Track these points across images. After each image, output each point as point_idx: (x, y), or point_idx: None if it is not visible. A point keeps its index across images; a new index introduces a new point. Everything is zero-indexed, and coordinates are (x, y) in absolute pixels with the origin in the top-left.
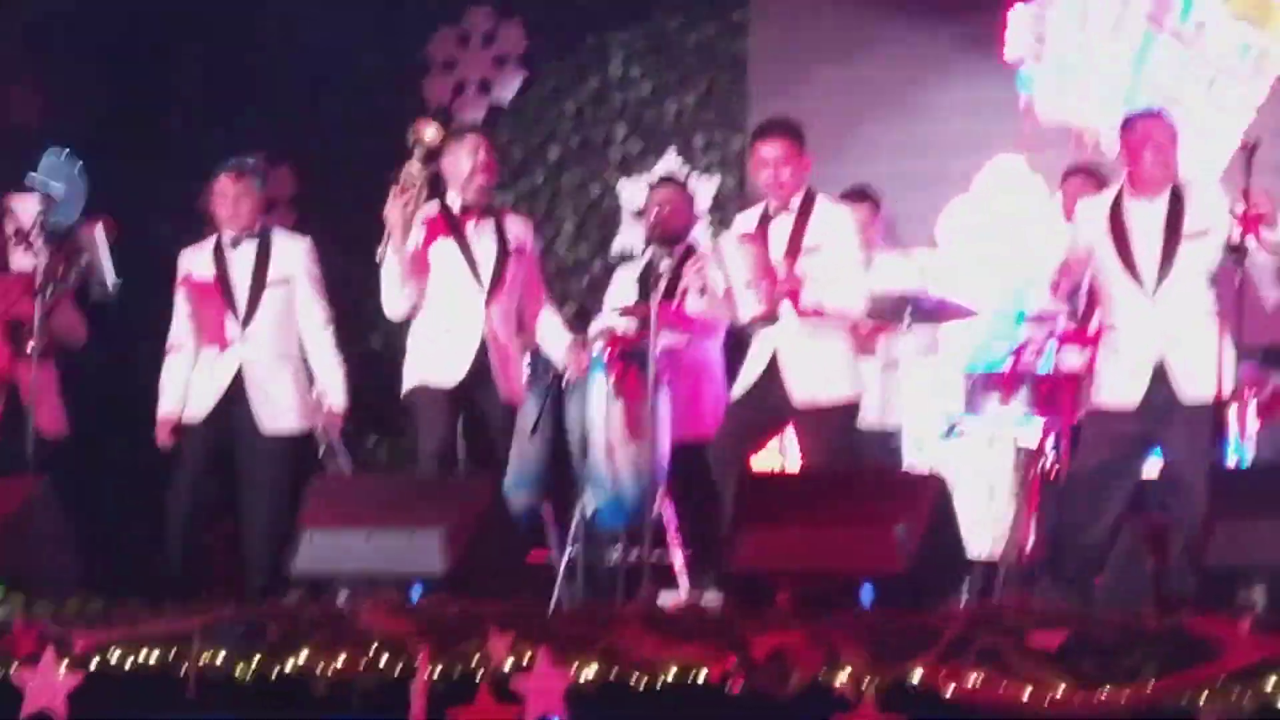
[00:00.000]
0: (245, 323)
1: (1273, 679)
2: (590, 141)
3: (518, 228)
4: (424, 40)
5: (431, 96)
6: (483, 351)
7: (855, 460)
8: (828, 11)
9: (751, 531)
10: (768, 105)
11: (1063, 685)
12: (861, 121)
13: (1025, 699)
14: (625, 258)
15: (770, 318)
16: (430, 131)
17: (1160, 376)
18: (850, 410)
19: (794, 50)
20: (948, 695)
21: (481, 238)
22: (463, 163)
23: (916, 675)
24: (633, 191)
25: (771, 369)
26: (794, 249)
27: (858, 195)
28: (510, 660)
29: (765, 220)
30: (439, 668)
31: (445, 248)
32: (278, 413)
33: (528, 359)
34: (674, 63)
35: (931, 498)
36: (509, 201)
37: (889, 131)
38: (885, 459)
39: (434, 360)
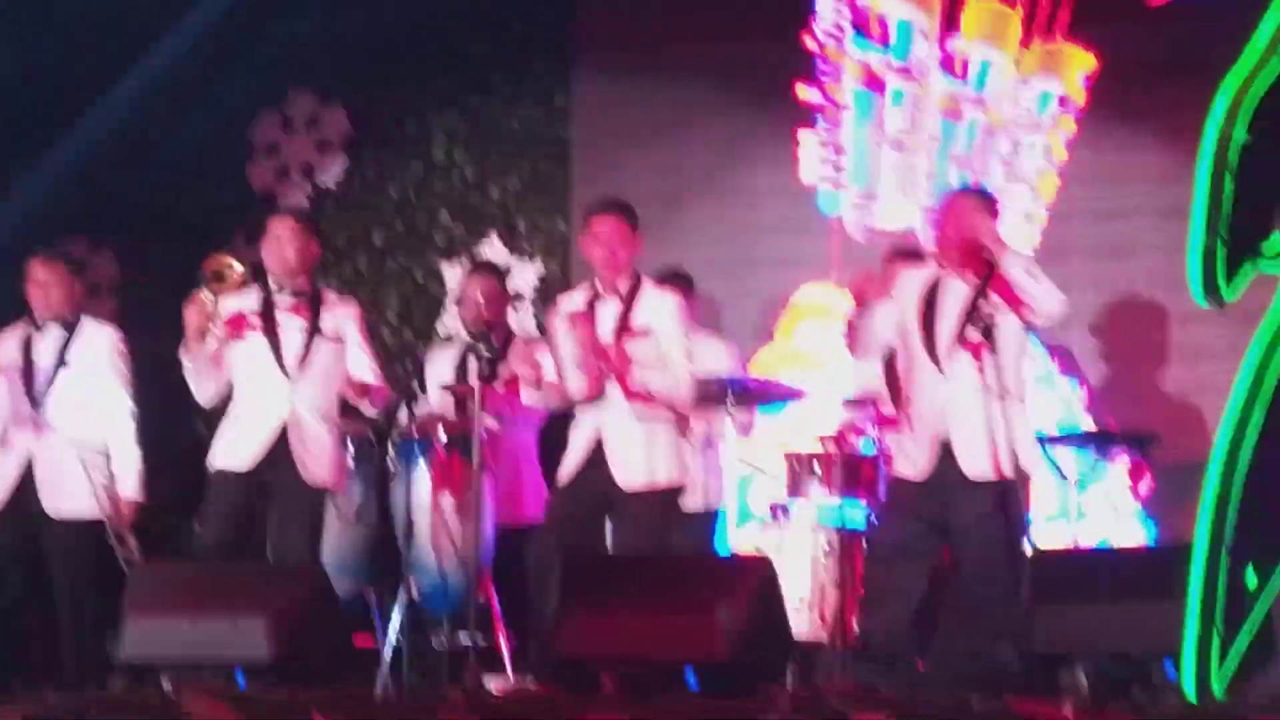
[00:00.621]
0: (39, 408)
1: None
2: (414, 226)
3: (336, 310)
4: (246, 124)
5: (256, 181)
6: (283, 435)
7: (675, 545)
8: (647, 97)
9: (577, 616)
10: (590, 189)
11: None
12: (680, 205)
13: None
14: (449, 340)
15: (598, 397)
16: (233, 273)
17: (948, 452)
18: (672, 495)
19: (615, 134)
20: None
21: (292, 321)
22: (278, 249)
23: None
24: (454, 276)
25: (597, 453)
26: (622, 331)
27: (671, 278)
28: None
29: (592, 302)
30: None
31: (252, 335)
32: (71, 499)
33: (350, 444)
34: (496, 147)
35: (756, 581)
36: (333, 286)
37: (706, 215)
38: (708, 542)
39: (231, 444)
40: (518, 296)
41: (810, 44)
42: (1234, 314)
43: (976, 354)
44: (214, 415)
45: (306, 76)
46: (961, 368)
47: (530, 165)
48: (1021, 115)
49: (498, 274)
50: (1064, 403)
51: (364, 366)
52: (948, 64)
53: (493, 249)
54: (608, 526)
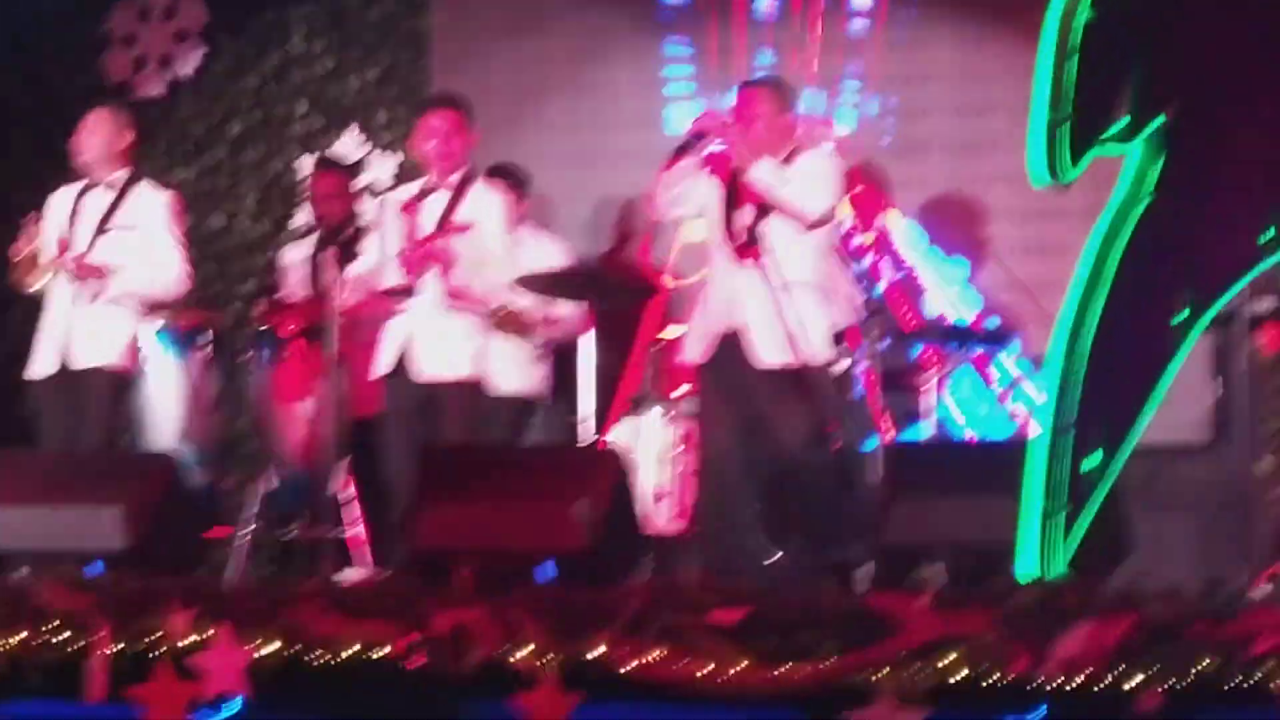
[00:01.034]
0: None
1: (951, 655)
2: (272, 117)
3: (141, 200)
4: (102, 14)
5: (112, 71)
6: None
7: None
8: None
9: (433, 508)
10: (448, 82)
11: (743, 662)
12: (537, 100)
13: (705, 675)
14: (304, 234)
15: (411, 290)
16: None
17: (739, 339)
18: (472, 388)
19: (474, 27)
20: (628, 671)
21: (87, 216)
22: (83, 140)
23: (597, 652)
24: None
25: (407, 347)
26: (445, 224)
27: (498, 173)
28: (191, 637)
29: (423, 194)
30: (119, 644)
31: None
32: None
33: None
34: (355, 39)
35: (611, 474)
36: (190, 176)
37: (564, 110)
38: (566, 436)
39: (42, 346)
40: (371, 190)
41: None
42: (1089, 210)
43: (753, 255)
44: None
45: None
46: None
47: (389, 57)
48: None
49: (340, 169)
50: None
51: (159, 254)
52: None
53: (351, 141)
54: None
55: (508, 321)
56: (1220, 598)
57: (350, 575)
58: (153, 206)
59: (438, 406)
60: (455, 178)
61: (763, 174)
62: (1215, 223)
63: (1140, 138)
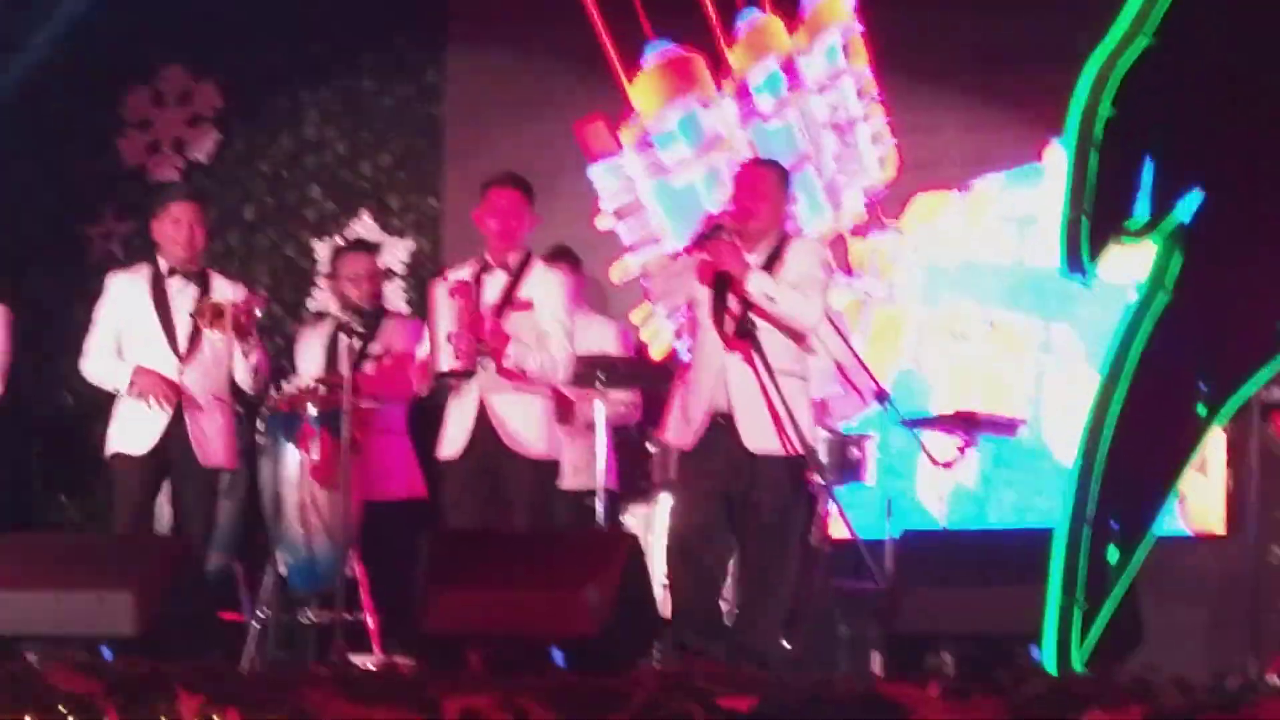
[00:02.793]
0: None
1: None
2: (285, 202)
3: (226, 292)
4: (117, 99)
5: (127, 156)
6: (179, 417)
7: (557, 520)
8: (519, 75)
9: (443, 592)
10: (461, 166)
11: None
12: (552, 184)
13: None
14: (321, 316)
15: (468, 372)
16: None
17: (728, 424)
18: (549, 468)
19: (487, 112)
20: None
21: (182, 302)
22: (177, 231)
23: None
24: (326, 252)
25: (481, 419)
26: (505, 305)
27: (559, 255)
28: None
29: (478, 275)
30: None
31: (144, 314)
32: None
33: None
34: (368, 124)
35: (623, 557)
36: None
37: (579, 193)
38: (581, 520)
39: (128, 428)
40: (389, 274)
41: None
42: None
43: (744, 350)
44: (82, 390)
45: (177, 51)
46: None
47: (403, 142)
48: (820, 75)
49: (372, 251)
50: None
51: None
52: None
53: (364, 226)
54: None
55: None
56: (1231, 688)
57: (362, 660)
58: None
59: (511, 479)
60: (514, 258)
61: (758, 287)
62: (1234, 315)
63: (1159, 232)
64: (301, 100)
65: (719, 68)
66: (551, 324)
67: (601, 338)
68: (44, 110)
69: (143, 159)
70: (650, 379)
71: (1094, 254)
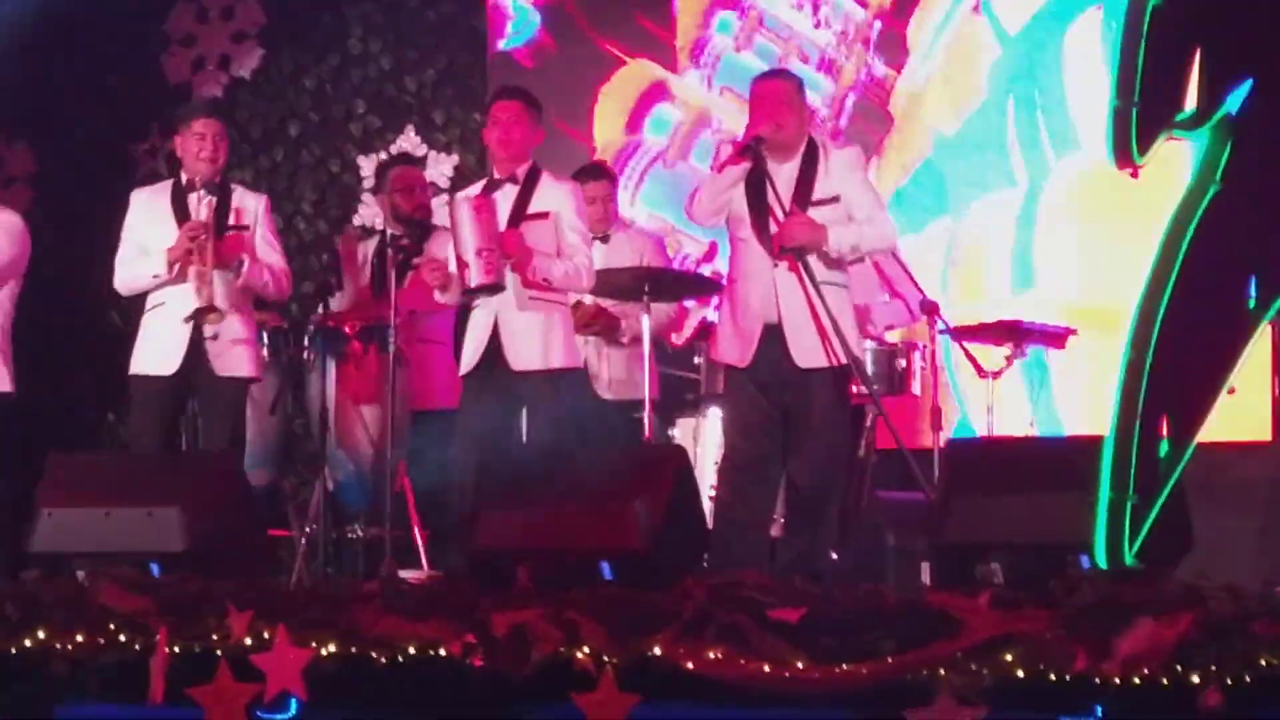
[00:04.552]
0: None
1: (1011, 653)
2: (330, 118)
3: (246, 202)
4: (161, 16)
5: (171, 73)
6: (198, 332)
7: (585, 430)
8: None
9: (492, 508)
10: (505, 81)
11: (801, 661)
12: (593, 98)
13: (763, 674)
14: (367, 232)
15: (496, 287)
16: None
17: (777, 337)
18: (571, 376)
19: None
20: (687, 671)
21: (199, 214)
22: (194, 144)
23: (656, 652)
24: (371, 168)
25: (494, 338)
26: (519, 217)
27: (595, 172)
28: (249, 638)
29: (490, 190)
30: (178, 646)
31: (165, 227)
32: None
33: (265, 335)
34: (413, 39)
35: (672, 471)
36: (248, 178)
37: (617, 106)
38: (629, 432)
39: (149, 346)
40: (434, 188)
41: None
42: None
43: (789, 260)
44: (129, 308)
45: None
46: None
47: (446, 57)
48: None
49: (418, 164)
50: None
51: (270, 255)
52: None
53: (408, 141)
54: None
55: (588, 317)
56: None
57: (411, 575)
58: (259, 210)
59: (529, 398)
60: (520, 170)
61: (839, 244)
62: None
63: (1207, 126)
64: (345, 15)
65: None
66: (569, 233)
67: (642, 250)
68: (90, 28)
69: (187, 76)
70: (693, 291)
71: (1143, 147)
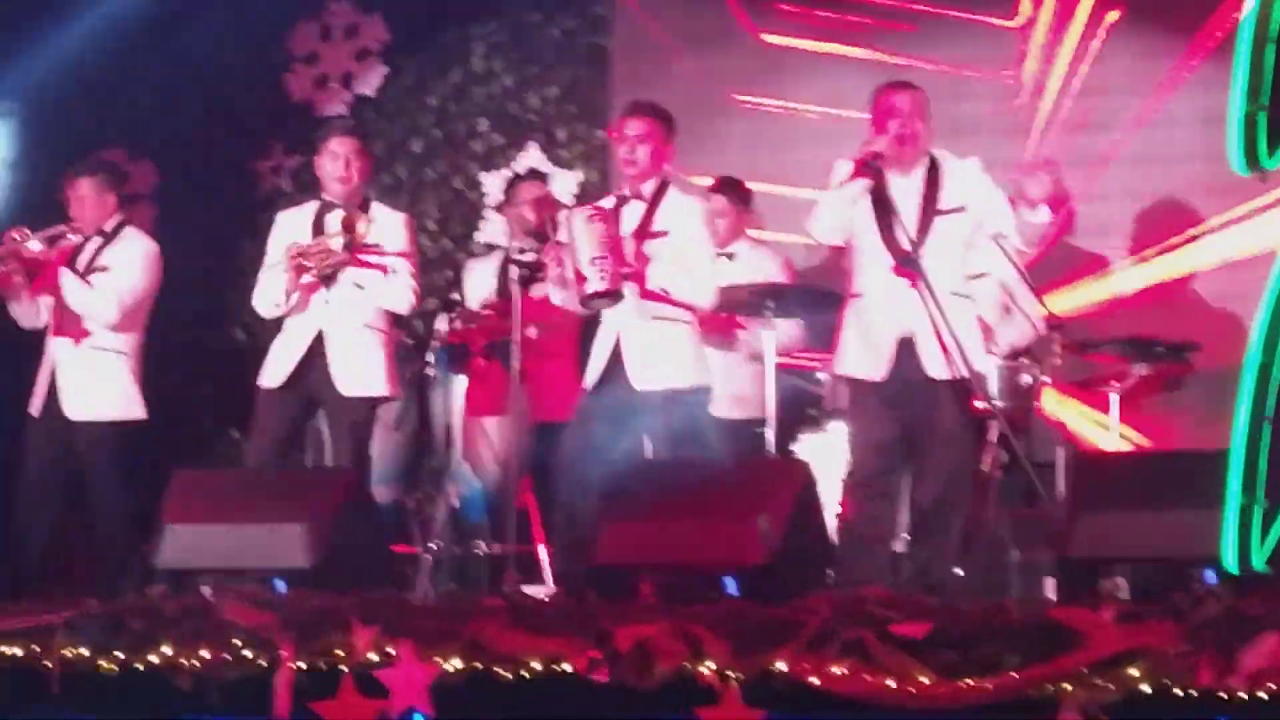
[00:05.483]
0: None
1: (1135, 668)
2: (452, 135)
3: (384, 219)
4: (284, 34)
5: (294, 91)
6: (318, 348)
7: (706, 447)
8: (687, 4)
9: (615, 523)
10: (629, 97)
11: (926, 676)
12: (721, 114)
13: (889, 690)
14: (490, 249)
15: (613, 295)
16: (362, 226)
17: (908, 350)
18: (694, 395)
19: (655, 43)
20: (811, 687)
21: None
22: (329, 164)
23: (780, 667)
24: (495, 184)
25: (616, 355)
26: (642, 232)
27: (726, 186)
28: (374, 653)
29: (618, 205)
30: (303, 661)
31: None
32: (97, 402)
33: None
34: (535, 56)
35: (796, 486)
36: (371, 195)
37: (747, 125)
38: (752, 450)
39: (272, 361)
40: (559, 204)
41: None
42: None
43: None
44: (254, 324)
45: None
46: (928, 266)
47: (569, 73)
48: None
49: (545, 179)
50: None
51: (403, 272)
52: None
53: (531, 158)
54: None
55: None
56: None
57: (534, 591)
58: (394, 228)
59: (648, 415)
60: (648, 187)
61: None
62: None
63: None
64: (468, 32)
65: None
66: (691, 248)
67: (768, 267)
68: (212, 46)
69: (310, 94)
70: (818, 307)
71: (1272, 149)
